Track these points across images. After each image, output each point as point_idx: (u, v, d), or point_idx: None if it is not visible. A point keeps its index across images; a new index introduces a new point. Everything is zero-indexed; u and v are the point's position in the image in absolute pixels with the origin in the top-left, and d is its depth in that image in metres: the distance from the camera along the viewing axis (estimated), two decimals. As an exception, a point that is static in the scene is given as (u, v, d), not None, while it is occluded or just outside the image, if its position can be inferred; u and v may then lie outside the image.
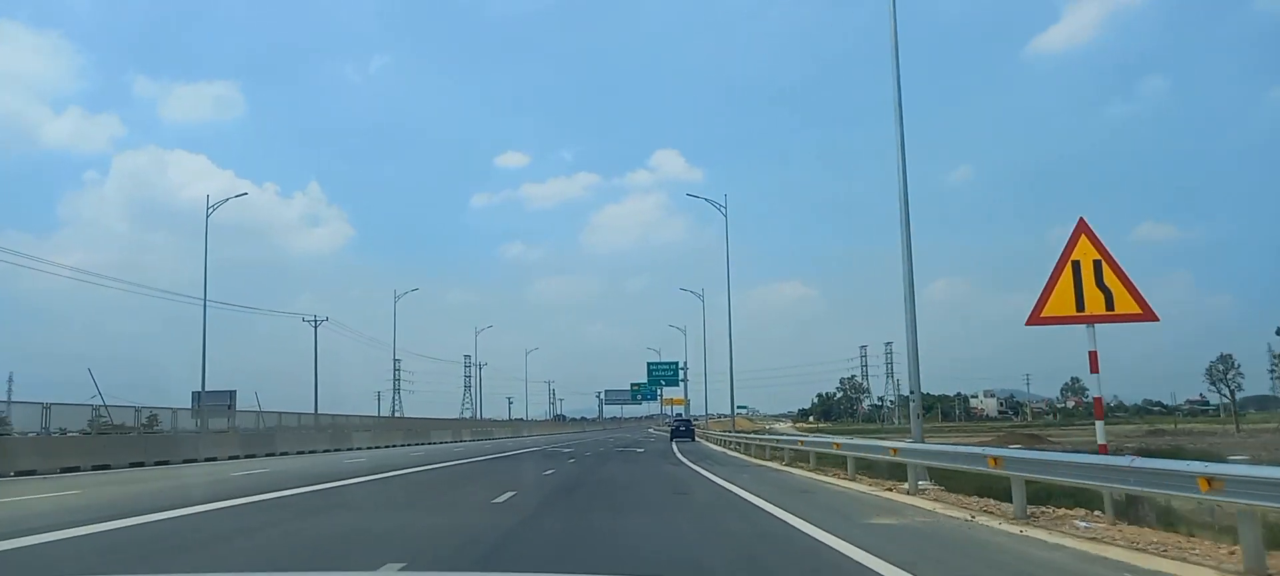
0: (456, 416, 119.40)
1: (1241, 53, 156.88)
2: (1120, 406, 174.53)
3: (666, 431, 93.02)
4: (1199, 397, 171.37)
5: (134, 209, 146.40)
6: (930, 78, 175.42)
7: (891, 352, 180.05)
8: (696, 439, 52.86)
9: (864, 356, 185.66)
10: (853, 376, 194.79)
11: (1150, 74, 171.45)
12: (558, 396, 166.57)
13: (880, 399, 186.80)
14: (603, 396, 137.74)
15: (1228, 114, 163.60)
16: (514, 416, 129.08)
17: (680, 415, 61.89)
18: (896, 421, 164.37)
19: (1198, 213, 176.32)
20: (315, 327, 55.32)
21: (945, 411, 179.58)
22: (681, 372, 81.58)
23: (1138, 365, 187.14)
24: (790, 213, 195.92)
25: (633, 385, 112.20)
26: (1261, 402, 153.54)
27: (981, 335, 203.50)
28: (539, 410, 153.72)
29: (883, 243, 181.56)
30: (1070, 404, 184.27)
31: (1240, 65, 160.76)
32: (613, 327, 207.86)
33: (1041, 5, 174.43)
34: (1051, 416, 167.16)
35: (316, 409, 53.40)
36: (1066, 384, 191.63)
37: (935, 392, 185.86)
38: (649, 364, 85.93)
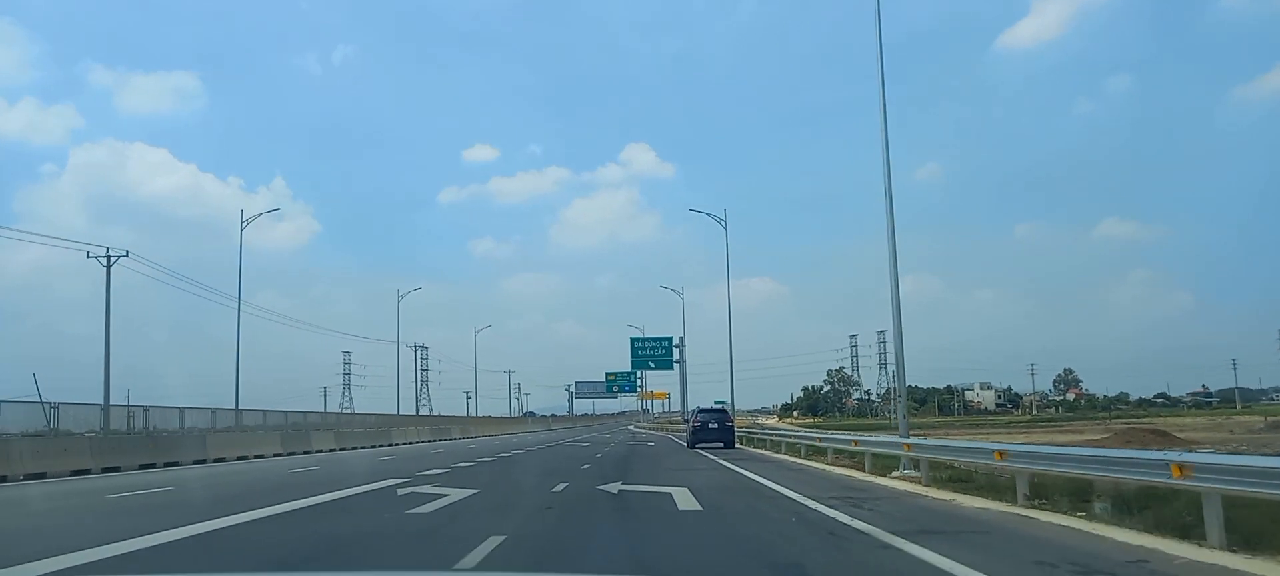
0: (411, 412, 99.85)
1: (1205, 53, 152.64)
2: (1123, 398, 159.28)
3: (657, 431, 71.30)
4: (1202, 388, 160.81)
5: (92, 203, 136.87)
6: (896, 74, 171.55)
7: (884, 342, 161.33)
8: (738, 445, 31.02)
9: (854, 347, 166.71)
10: (841, 368, 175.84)
11: (1116, 72, 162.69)
12: (524, 391, 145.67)
13: (866, 392, 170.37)
14: (573, 389, 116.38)
15: (1191, 113, 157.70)
16: (471, 412, 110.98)
17: (709, 406, 36.15)
18: (893, 416, 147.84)
19: (1159, 210, 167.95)
20: (108, 265, 33.27)
21: (941, 405, 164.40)
22: (676, 352, 60.25)
23: (1103, 360, 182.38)
24: (760, 209, 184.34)
25: (608, 375, 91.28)
26: (1244, 395, 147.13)
27: (952, 330, 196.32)
28: (498, 406, 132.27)
29: (851, 238, 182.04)
30: (1069, 396, 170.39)
31: (1204, 65, 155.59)
32: (583, 324, 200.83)
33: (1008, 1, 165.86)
34: (1053, 410, 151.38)
35: (107, 399, 31.23)
36: (1059, 375, 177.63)
37: (924, 386, 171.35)
38: (633, 340, 62.82)
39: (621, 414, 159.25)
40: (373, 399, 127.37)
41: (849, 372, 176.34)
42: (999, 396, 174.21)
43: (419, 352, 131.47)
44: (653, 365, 62.34)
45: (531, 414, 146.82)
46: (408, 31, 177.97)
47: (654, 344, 60.98)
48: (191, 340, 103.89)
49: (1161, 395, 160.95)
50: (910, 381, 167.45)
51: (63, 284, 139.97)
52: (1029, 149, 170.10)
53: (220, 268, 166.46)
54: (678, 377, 62.97)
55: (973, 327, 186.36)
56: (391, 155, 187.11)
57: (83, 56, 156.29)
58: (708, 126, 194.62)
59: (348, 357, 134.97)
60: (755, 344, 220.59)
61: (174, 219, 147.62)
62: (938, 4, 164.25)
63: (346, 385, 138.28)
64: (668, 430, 73.83)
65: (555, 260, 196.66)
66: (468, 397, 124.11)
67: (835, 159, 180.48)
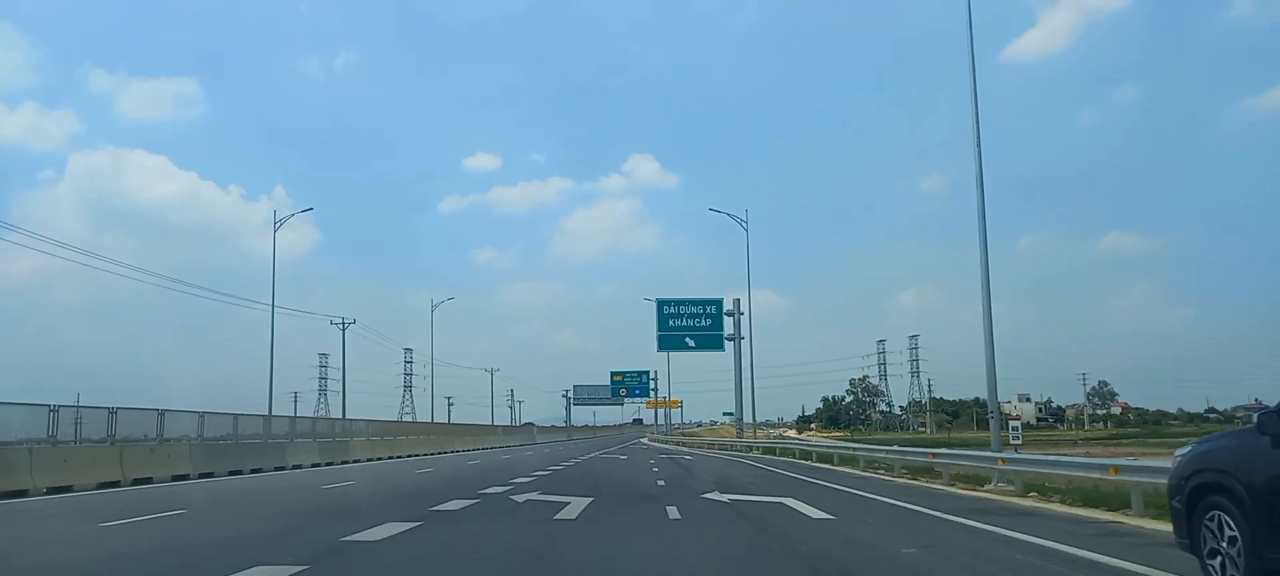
0: (393, 419, 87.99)
1: (1212, 63, 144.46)
2: (1165, 415, 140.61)
3: (677, 447, 49.61)
4: (1254, 402, 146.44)
5: (90, 210, 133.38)
6: (899, 82, 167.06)
7: (917, 348, 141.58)
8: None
9: (882, 353, 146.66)
10: (865, 377, 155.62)
11: (1122, 83, 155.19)
12: (517, 398, 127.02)
13: (888, 404, 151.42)
14: (571, 395, 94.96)
15: (1197, 124, 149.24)
16: (457, 419, 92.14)
17: None
18: (930, 430, 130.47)
19: (1164, 223, 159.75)
20: None
21: (979, 419, 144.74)
22: (732, 321, 38.16)
23: (1109, 371, 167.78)
24: (760, 219, 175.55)
25: (614, 375, 70.02)
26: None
27: (955, 342, 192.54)
28: (491, 412, 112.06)
29: (854, 247, 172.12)
30: (1115, 410, 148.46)
31: (1210, 76, 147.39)
32: (584, 334, 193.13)
33: (1016, 12, 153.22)
34: (1103, 425, 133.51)
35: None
36: (1093, 388, 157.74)
37: (950, 398, 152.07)
38: (661, 304, 40.42)
39: (625, 425, 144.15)
40: (351, 404, 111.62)
41: (875, 382, 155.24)
42: (1039, 409, 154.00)
43: (405, 355, 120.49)
44: (692, 343, 40.14)
45: (531, 424, 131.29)
46: (409, 38, 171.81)
47: (694, 310, 38.93)
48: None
49: (1212, 409, 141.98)
50: (936, 392, 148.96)
51: (61, 289, 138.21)
52: (1034, 159, 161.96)
53: (221, 275, 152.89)
54: (728, 370, 40.45)
55: (975, 338, 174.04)
56: (393, 163, 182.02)
57: (83, 61, 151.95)
58: (710, 136, 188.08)
59: (324, 359, 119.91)
60: (758, 355, 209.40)
61: (173, 226, 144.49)
62: (942, 14, 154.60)
63: (322, 390, 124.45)
64: (686, 443, 53.02)
65: (557, 269, 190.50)
66: (449, 403, 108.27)
67: (837, 167, 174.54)
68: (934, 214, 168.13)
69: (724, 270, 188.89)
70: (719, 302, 40.45)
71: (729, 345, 39.35)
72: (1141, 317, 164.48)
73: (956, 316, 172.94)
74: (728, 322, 40.15)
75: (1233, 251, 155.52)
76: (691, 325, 40.36)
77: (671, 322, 40.35)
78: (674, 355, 49.56)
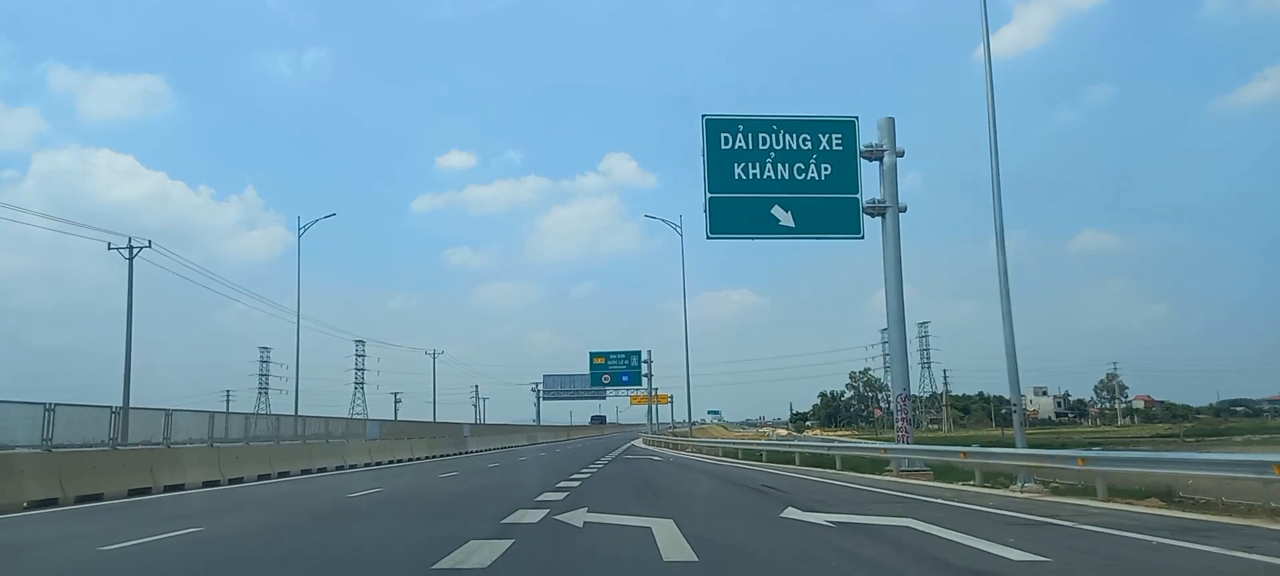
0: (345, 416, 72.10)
1: (1185, 63, 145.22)
2: (1188, 408, 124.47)
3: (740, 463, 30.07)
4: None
5: (55, 210, 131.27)
6: (877, 83, 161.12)
7: (927, 336, 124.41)
8: None
9: (884, 344, 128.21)
10: (867, 370, 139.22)
11: (1097, 82, 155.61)
12: (482, 394, 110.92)
13: (888, 400, 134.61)
14: (540, 388, 74.68)
15: (1170, 123, 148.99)
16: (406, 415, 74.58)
17: None
18: (946, 427, 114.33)
19: (1137, 221, 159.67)
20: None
21: (996, 415, 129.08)
22: (880, 174, 17.02)
23: (1087, 367, 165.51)
24: None
25: (594, 357, 50.36)
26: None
27: (946, 338, 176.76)
28: (454, 410, 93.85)
29: (834, 248, 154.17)
30: (1137, 403, 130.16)
31: (1183, 76, 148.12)
32: (561, 334, 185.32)
33: (991, 11, 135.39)
34: (1128, 419, 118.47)
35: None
36: (1101, 381, 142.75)
37: (956, 392, 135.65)
38: (710, 128, 17.30)
39: (598, 422, 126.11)
40: (290, 402, 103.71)
41: (877, 376, 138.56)
42: (1058, 403, 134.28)
43: (356, 348, 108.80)
44: (788, 221, 15.42)
45: (488, 424, 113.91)
46: (382, 35, 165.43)
47: (792, 145, 15.63)
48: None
49: (1240, 402, 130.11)
50: (935, 388, 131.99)
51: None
52: (1009, 158, 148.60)
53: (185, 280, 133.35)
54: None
55: (969, 333, 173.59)
56: (366, 161, 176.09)
57: (44, 56, 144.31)
58: (690, 135, 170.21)
59: (266, 354, 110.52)
60: (736, 353, 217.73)
61: (142, 227, 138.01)
62: (918, 10, 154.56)
63: (263, 388, 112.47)
64: (698, 451, 33.18)
65: (532, 270, 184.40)
66: (397, 399, 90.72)
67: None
68: (911, 213, 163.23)
69: (695, 270, 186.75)
70: (849, 128, 17.92)
71: (873, 225, 17.55)
72: (1124, 313, 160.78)
73: (938, 314, 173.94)
74: (869, 181, 18.20)
75: (1215, 247, 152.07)
76: (785, 178, 17.49)
77: (738, 173, 17.49)
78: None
